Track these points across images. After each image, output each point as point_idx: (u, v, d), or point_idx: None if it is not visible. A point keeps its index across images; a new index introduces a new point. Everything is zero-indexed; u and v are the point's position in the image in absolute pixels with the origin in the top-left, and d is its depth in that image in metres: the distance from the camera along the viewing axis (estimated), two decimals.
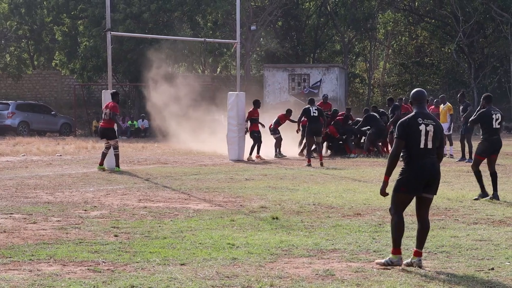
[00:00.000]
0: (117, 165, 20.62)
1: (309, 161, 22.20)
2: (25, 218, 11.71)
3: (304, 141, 25.41)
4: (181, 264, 8.38)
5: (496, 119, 14.24)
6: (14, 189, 15.70)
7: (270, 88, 47.68)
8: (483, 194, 14.11)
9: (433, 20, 54.76)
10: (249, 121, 24.88)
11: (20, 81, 54.54)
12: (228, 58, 55.32)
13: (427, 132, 8.32)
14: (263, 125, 25.50)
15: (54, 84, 55.97)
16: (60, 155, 26.52)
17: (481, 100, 14.68)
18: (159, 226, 10.98)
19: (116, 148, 20.65)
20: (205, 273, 7.93)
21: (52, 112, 45.13)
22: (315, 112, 22.50)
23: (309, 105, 22.96)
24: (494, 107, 14.66)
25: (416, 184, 8.29)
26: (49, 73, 56.79)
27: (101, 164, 20.70)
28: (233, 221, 11.47)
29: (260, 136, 24.97)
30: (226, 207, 13.19)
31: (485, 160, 14.40)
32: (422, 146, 8.30)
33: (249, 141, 25.16)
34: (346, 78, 52.34)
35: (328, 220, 11.55)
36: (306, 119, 22.75)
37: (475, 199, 13.99)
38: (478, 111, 14.72)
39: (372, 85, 56.28)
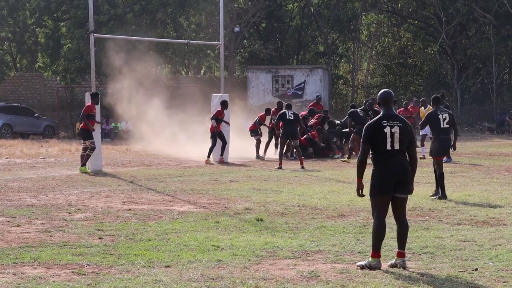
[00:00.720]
0: (83, 164, 20.51)
1: (280, 163, 22.17)
2: (8, 221, 11.66)
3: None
4: (166, 266, 8.38)
5: (444, 119, 14.72)
6: None
7: (254, 89, 47.71)
8: (443, 195, 14.36)
9: (416, 22, 54.97)
10: (214, 120, 24.11)
11: (2, 83, 54.23)
12: (212, 60, 55.27)
13: (392, 134, 8.38)
14: (227, 123, 24.91)
15: (37, 86, 55.71)
16: (44, 158, 26.40)
17: (431, 101, 15.28)
18: (144, 229, 10.97)
19: (89, 149, 20.46)
20: (190, 275, 7.93)
21: (35, 115, 44.89)
22: (290, 116, 22.63)
23: (285, 110, 23.07)
24: (442, 107, 15.29)
25: (386, 184, 8.36)
26: (32, 75, 56.53)
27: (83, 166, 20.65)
28: (218, 223, 11.48)
29: (217, 140, 24.11)
30: (210, 209, 13.19)
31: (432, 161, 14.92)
32: (388, 148, 8.38)
33: (233, 142, 25.12)
34: (330, 79, 52.45)
35: (312, 222, 11.58)
36: (282, 122, 22.72)
37: (432, 196, 14.42)
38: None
39: (355, 86, 56.41)
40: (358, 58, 59.84)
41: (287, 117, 22.56)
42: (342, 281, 7.70)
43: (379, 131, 8.41)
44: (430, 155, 15.16)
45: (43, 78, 54.16)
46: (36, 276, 7.86)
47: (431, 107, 25.70)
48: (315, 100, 29.96)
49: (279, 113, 23.30)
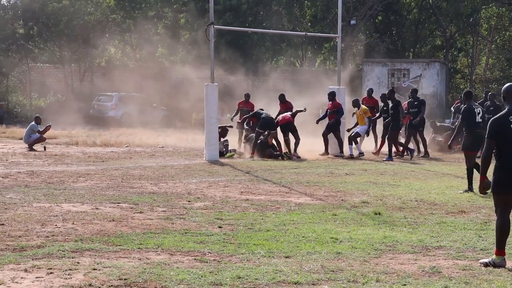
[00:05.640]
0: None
1: (252, 154, 22.64)
2: (131, 208, 12.01)
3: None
4: (286, 257, 8.44)
5: (478, 113, 14.79)
6: (120, 179, 16.10)
7: (369, 82, 47.21)
8: (470, 188, 14.50)
9: None
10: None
11: (123, 73, 55.70)
12: (327, 52, 55.10)
13: None
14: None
15: (156, 76, 56.88)
16: (162, 147, 27.01)
17: (462, 96, 15.03)
18: (262, 219, 11.08)
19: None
20: (310, 267, 7.96)
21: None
22: (266, 113, 23.34)
23: (259, 109, 23.79)
24: (474, 102, 15.51)
25: (508, 182, 8.13)
26: (151, 65, 57.80)
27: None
28: (335, 215, 11.47)
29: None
30: (327, 201, 13.19)
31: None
32: None
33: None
34: (447, 73, 51.41)
35: (431, 217, 11.42)
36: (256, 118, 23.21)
37: (460, 193, 14.35)
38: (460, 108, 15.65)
39: (474, 81, 55.10)
40: (477, 52, 58.41)
41: (263, 115, 23.00)
42: (466, 278, 7.56)
43: (505, 127, 8.21)
44: (462, 149, 15.38)
45: (162, 68, 55.29)
46: (161, 262, 8.07)
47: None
48: (367, 94, 28.84)
49: (254, 111, 23.99)
